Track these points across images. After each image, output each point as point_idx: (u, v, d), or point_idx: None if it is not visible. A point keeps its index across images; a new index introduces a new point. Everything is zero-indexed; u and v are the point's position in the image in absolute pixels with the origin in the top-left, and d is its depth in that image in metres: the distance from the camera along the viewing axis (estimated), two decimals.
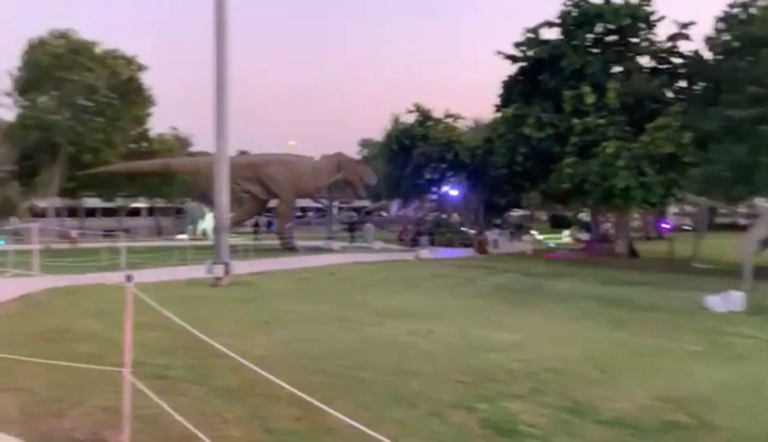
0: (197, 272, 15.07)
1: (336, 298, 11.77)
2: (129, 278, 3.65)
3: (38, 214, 60.33)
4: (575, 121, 26.25)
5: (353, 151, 59.58)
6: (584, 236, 40.26)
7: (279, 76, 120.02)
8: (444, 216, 45.55)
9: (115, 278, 13.88)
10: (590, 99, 26.26)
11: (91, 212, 73.02)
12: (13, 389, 4.73)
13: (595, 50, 29.19)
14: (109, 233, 54.69)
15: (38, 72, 33.39)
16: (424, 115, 38.48)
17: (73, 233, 44.26)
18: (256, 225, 43.93)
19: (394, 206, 62.57)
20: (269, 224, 45.52)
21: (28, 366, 5.17)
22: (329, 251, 29.92)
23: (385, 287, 14.60)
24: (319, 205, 57.84)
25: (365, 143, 69.87)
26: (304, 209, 69.26)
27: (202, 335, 4.02)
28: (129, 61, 36.53)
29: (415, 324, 8.73)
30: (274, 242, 31.29)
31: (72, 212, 62.89)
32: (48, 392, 4.73)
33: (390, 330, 8.39)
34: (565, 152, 26.26)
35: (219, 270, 13.47)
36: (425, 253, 26.17)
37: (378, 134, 50.75)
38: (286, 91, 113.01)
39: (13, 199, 48.93)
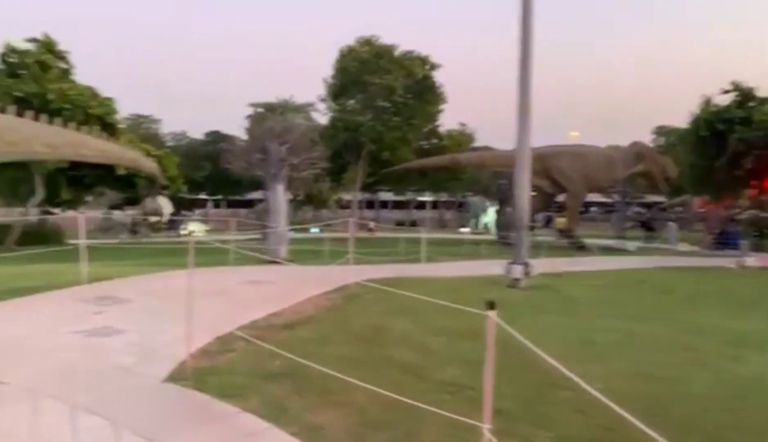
0: (487, 268, 14.53)
1: (660, 314, 9.84)
2: (491, 306, 2.79)
3: (344, 206, 68.41)
4: None
5: (646, 141, 53.76)
6: None
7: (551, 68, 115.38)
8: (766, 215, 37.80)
9: (417, 270, 14.19)
10: None
11: (384, 204, 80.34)
12: (341, 402, 4.37)
13: None
14: (399, 224, 58.98)
15: (347, 78, 37.20)
16: (745, 95, 32.11)
17: (372, 224, 48.79)
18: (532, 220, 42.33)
19: (698, 202, 54.53)
20: (548, 220, 43.51)
21: (355, 374, 4.85)
22: (624, 251, 27.03)
23: (718, 302, 11.94)
24: (606, 200, 53.43)
25: (660, 131, 62.37)
26: (587, 205, 65.08)
27: (548, 357, 3.00)
28: (423, 61, 38.30)
29: None
30: (549, 238, 29.30)
31: (368, 205, 69.69)
32: (377, 413, 4.25)
33: (759, 368, 6.36)
34: None
35: (518, 271, 12.58)
36: (750, 260, 21.58)
37: (676, 120, 44.61)
38: (567, 82, 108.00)
39: (324, 193, 56.21)
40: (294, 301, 8.44)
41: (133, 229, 45.44)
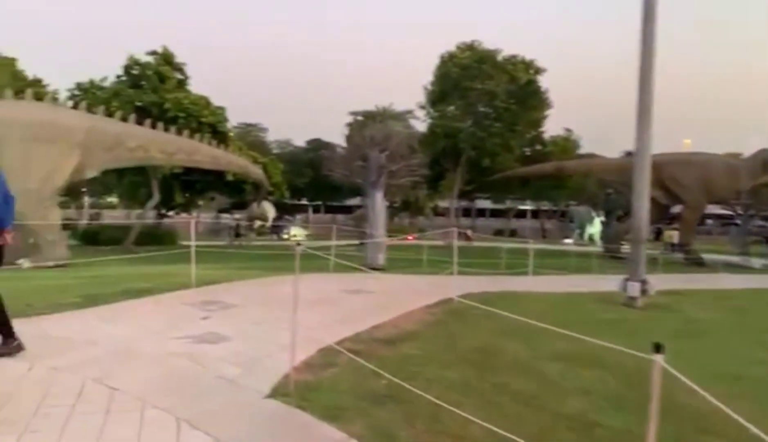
0: (598, 283, 13.59)
1: None
2: (658, 348, 2.28)
3: (440, 213, 67.90)
4: None
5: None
6: None
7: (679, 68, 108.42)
8: None
9: (524, 284, 13.50)
10: None
11: (481, 212, 78.91)
12: (455, 436, 3.94)
13: None
14: (498, 233, 57.51)
15: (448, 84, 36.81)
16: None
17: (469, 232, 47.90)
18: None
19: None
20: (657, 233, 40.73)
21: (466, 403, 4.43)
22: (748, 268, 24.64)
23: None
24: (724, 212, 49.37)
25: None
26: (702, 217, 60.49)
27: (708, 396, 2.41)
28: (527, 65, 37.18)
29: None
30: (661, 252, 27.19)
31: (465, 212, 68.65)
32: None
33: None
34: None
35: (635, 288, 11.58)
36: None
37: None
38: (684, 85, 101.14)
39: (420, 200, 56.03)
40: (395, 313, 8.13)
41: (237, 232, 47.51)
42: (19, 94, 18.94)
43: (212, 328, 6.87)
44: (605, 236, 35.91)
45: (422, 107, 39.83)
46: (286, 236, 49.06)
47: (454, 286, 11.22)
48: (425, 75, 41.32)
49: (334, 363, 5.58)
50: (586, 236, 48.18)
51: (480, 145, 36.08)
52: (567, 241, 44.36)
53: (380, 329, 7.15)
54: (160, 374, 5.07)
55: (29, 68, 34.52)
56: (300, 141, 72.47)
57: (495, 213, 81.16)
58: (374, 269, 18.44)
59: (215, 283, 10.71)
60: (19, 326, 6.57)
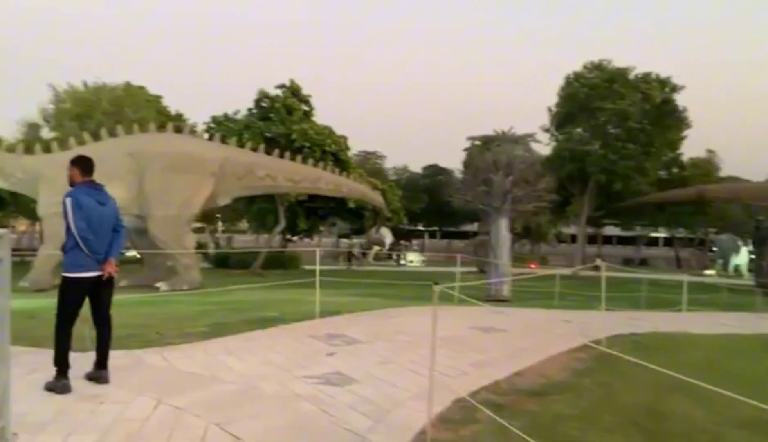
0: (763, 324, 11.70)
1: None
2: None
3: (562, 240, 64.69)
4: None
5: None
6: None
7: None
8: None
9: (677, 323, 11.92)
10: None
11: (607, 239, 74.19)
12: None
13: None
14: (627, 262, 53.59)
15: (574, 105, 35.03)
16: None
17: (598, 261, 44.97)
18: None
19: None
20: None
21: None
22: None
23: None
24: None
25: None
26: None
27: None
28: (662, 83, 34.51)
29: None
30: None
31: (590, 239, 64.82)
32: None
33: None
34: None
35: None
36: None
37: None
38: None
39: (543, 226, 53.68)
40: (537, 358, 7.25)
41: (349, 256, 48.14)
42: (161, 128, 20.33)
43: (338, 366, 6.43)
44: (757, 268, 31.96)
45: (546, 130, 38.25)
46: (403, 262, 48.98)
47: (596, 324, 10.06)
48: (542, 98, 39.83)
49: (474, 419, 4.87)
50: (731, 268, 43.44)
51: (611, 169, 33.76)
52: (708, 272, 40.17)
53: (522, 378, 6.32)
54: (285, 421, 4.65)
55: (173, 104, 37.57)
56: (416, 167, 72.81)
57: (622, 240, 76.08)
58: (499, 300, 17.46)
59: (339, 313, 10.40)
60: (150, 356, 6.53)
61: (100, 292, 5.29)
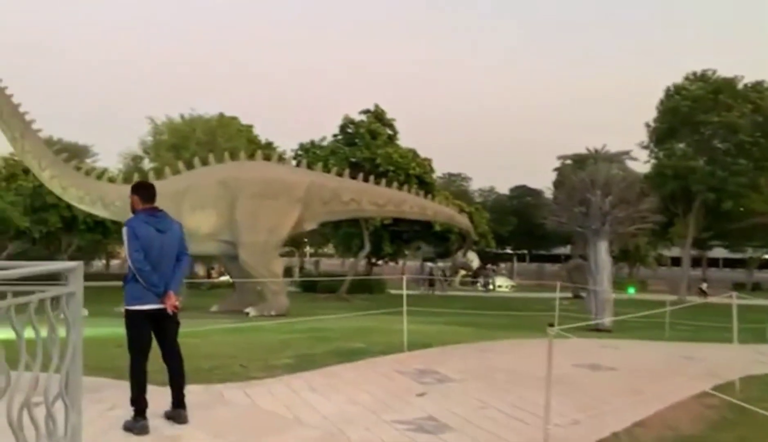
0: None
1: None
2: None
3: (663, 264, 60.59)
4: None
5: None
6: None
7: None
8: None
9: None
10: None
11: (713, 262, 68.68)
12: None
13: None
14: (738, 287, 49.26)
15: (676, 119, 32.76)
16: None
17: (704, 286, 41.52)
18: None
19: None
20: None
21: None
22: None
23: None
24: None
25: None
26: None
27: None
28: None
29: None
30: None
31: (694, 262, 60.32)
32: None
33: None
34: None
35: None
36: None
37: None
38: None
39: (642, 248, 50.47)
40: (659, 404, 6.27)
41: (431, 281, 47.33)
42: (251, 156, 20.73)
43: (430, 409, 5.80)
44: None
45: (644, 147, 35.99)
46: (491, 287, 47.49)
47: (722, 361, 8.82)
48: (632, 114, 37.54)
49: None
50: None
51: (719, 187, 31.07)
52: None
53: (646, 429, 5.41)
54: None
55: (263, 133, 38.74)
56: (503, 188, 71.07)
57: (729, 263, 70.23)
58: (600, 330, 16.16)
59: (429, 346, 9.76)
60: (232, 392, 6.20)
61: (163, 324, 5.00)
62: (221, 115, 34.52)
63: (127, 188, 19.54)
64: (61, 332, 2.86)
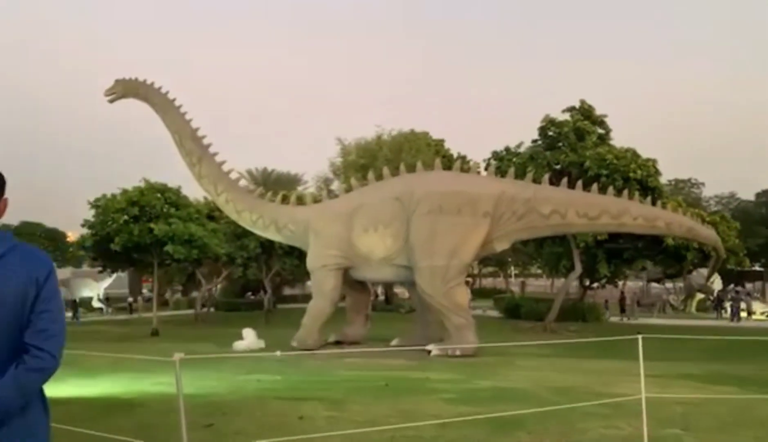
0: None
1: None
2: None
3: None
4: None
5: None
6: None
7: None
8: None
9: None
10: None
11: None
12: None
13: None
14: None
15: None
16: None
17: None
18: None
19: None
20: None
21: None
22: None
23: None
24: None
25: None
26: None
27: None
28: None
29: None
30: None
31: None
32: None
33: None
34: None
35: None
36: None
37: None
38: None
39: None
40: None
41: (663, 307, 40.01)
42: (429, 166, 17.94)
43: None
44: None
45: None
46: (744, 314, 38.23)
47: None
48: None
49: None
50: None
51: None
52: None
53: None
54: None
55: (455, 147, 36.15)
56: (747, 194, 58.84)
57: None
58: None
59: (682, 426, 5.64)
60: None
61: None
62: (411, 132, 32.72)
63: (300, 210, 18.14)
64: None
